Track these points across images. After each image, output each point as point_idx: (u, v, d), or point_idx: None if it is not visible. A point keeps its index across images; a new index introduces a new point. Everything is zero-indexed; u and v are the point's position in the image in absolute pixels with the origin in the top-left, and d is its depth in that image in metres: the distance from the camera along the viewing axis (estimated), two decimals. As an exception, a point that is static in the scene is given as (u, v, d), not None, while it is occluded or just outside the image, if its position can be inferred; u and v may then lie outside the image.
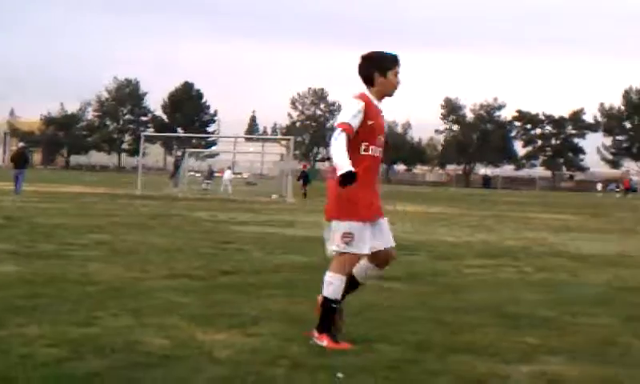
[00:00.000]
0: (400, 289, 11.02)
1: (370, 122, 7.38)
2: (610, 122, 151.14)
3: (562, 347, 7.46)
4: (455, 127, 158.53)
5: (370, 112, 7.40)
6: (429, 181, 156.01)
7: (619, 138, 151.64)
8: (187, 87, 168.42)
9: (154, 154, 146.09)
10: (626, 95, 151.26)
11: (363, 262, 7.59)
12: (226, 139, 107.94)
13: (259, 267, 12.79)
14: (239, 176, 76.39)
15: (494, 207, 45.62)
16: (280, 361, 6.51)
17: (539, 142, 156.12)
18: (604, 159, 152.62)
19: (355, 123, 7.27)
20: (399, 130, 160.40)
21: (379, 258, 7.61)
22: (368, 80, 7.61)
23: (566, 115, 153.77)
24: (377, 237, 7.46)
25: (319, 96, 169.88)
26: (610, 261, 16.12)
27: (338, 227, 7.36)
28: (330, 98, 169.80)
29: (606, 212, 44.75)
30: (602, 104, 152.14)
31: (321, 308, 7.42)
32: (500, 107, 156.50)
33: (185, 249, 15.31)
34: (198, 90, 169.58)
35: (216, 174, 71.62)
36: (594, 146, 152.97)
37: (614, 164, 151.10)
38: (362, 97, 7.46)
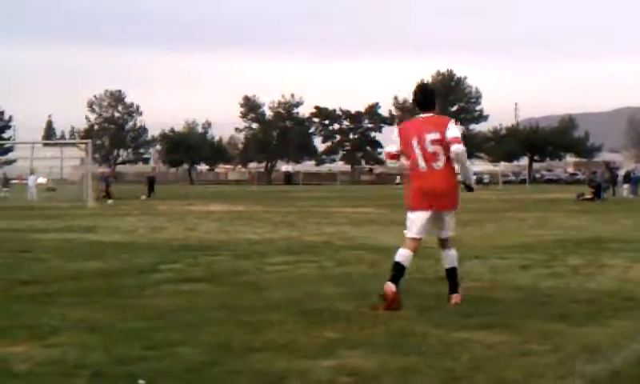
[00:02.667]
0: (201, 290, 11.02)
1: None
2: (405, 114, 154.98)
3: (361, 340, 7.61)
4: (255, 125, 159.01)
5: None
6: (231, 179, 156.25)
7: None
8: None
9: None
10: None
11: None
12: (22, 145, 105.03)
13: (58, 275, 12.52)
14: (39, 182, 74.27)
15: (296, 203, 46.07)
16: (80, 371, 6.42)
17: (338, 137, 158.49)
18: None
19: None
20: (199, 129, 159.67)
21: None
22: (433, 104, 10.09)
23: (363, 110, 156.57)
24: None
25: (117, 98, 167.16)
26: (407, 252, 16.49)
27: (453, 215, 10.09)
28: (128, 100, 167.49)
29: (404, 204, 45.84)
30: (395, 97, 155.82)
31: (454, 275, 10.06)
32: (298, 104, 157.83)
33: (-21, 260, 14.85)
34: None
35: (14, 181, 69.52)
36: (390, 139, 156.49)
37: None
38: None
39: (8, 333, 7.86)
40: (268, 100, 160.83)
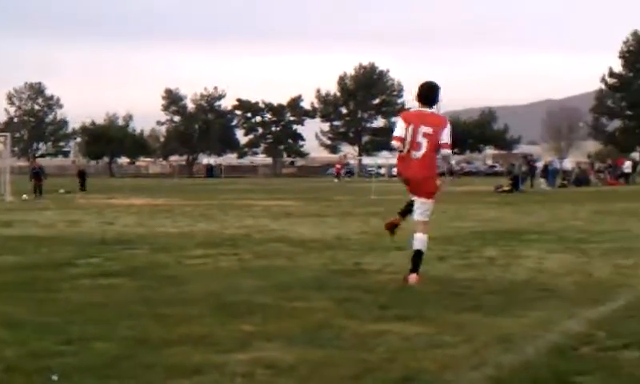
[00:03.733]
0: (120, 284, 10.95)
1: None
2: (327, 107, 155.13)
3: (278, 333, 7.63)
4: (177, 118, 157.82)
5: None
6: (152, 173, 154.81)
7: (336, 123, 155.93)
8: None
9: None
10: (341, 82, 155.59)
11: None
12: None
13: (-28, 271, 12.32)
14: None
15: (217, 196, 45.87)
16: (-7, 366, 6.35)
17: (260, 130, 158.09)
18: (323, 144, 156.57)
19: None
20: (120, 122, 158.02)
21: None
22: (435, 102, 11.16)
23: (285, 103, 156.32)
24: None
25: (36, 90, 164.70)
26: (327, 244, 16.53)
27: None
28: (48, 93, 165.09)
29: (326, 196, 45.96)
30: (318, 90, 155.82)
31: (418, 257, 10.82)
32: (220, 97, 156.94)
33: None
34: None
35: None
36: (312, 132, 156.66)
37: (333, 149, 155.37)
38: None
39: None
40: (190, 93, 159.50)
